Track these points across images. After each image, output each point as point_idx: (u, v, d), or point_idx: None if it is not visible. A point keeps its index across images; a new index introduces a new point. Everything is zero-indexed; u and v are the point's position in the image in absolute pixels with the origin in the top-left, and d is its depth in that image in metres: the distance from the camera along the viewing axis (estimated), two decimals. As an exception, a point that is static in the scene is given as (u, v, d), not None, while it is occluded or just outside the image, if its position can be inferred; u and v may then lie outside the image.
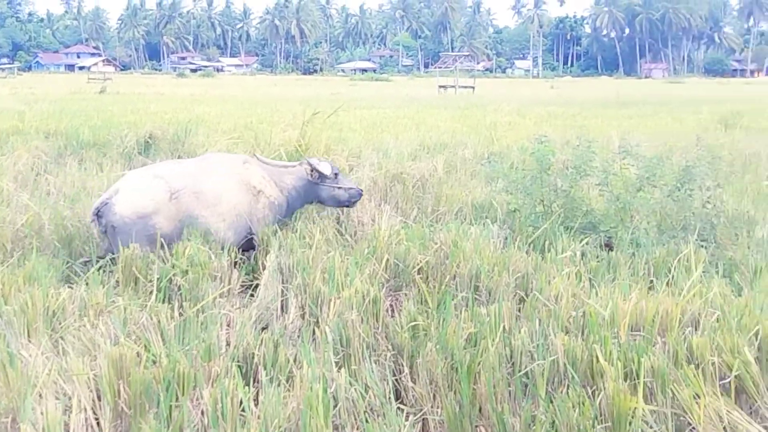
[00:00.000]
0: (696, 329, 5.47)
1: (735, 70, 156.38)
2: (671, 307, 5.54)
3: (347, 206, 8.64)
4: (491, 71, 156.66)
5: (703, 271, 6.73)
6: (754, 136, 19.08)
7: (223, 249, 7.17)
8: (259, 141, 13.62)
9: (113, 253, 7.08)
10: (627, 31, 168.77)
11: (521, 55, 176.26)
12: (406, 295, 6.74)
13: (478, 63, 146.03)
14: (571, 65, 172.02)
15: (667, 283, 6.51)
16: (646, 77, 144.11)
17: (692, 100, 44.45)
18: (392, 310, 6.44)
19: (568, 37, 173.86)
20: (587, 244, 7.75)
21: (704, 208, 8.07)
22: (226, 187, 7.66)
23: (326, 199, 8.50)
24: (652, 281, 6.75)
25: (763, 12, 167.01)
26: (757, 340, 5.15)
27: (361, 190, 8.73)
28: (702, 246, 7.45)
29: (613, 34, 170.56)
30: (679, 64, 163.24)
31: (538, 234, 7.99)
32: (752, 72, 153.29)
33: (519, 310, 6.06)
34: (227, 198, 7.62)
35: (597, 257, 7.42)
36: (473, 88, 64.64)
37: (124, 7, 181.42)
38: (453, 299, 6.28)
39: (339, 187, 8.40)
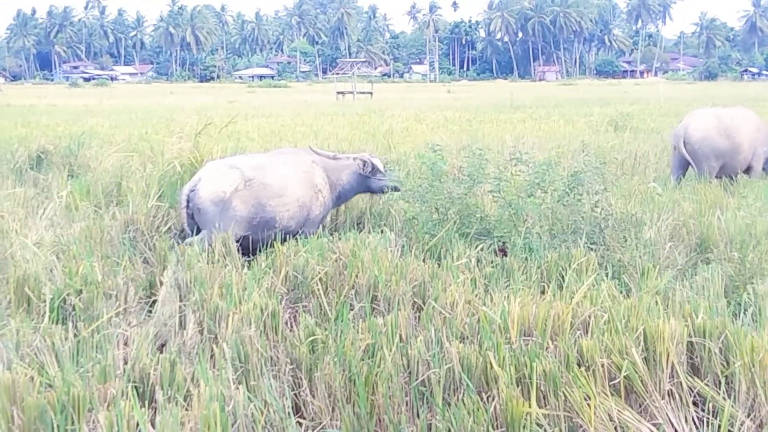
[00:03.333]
0: (586, 332, 5.64)
1: (625, 71, 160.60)
2: (562, 311, 5.70)
3: (393, 191, 9.60)
4: (389, 76, 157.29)
5: (595, 274, 6.93)
6: (642, 138, 19.65)
7: (286, 235, 8.46)
8: (154, 152, 13.45)
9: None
10: (520, 34, 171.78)
11: (418, 60, 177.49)
12: (305, 307, 6.76)
13: (375, 68, 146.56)
14: (467, 69, 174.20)
15: (559, 287, 6.69)
16: (539, 80, 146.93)
17: (584, 101, 45.53)
18: (291, 323, 6.45)
19: (464, 42, 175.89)
20: (482, 250, 7.88)
21: (593, 212, 8.28)
22: (292, 181, 8.67)
23: (375, 189, 9.59)
24: (544, 285, 6.91)
25: (650, 14, 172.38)
26: (643, 340, 5.34)
27: (401, 180, 9.68)
28: (591, 249, 7.65)
29: (506, 38, 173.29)
30: (571, 67, 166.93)
31: (434, 241, 8.10)
32: (641, 73, 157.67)
33: (417, 319, 6.16)
34: (292, 191, 8.61)
35: (492, 263, 7.55)
36: (371, 93, 65.08)
37: (13, 16, 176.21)
38: (351, 310, 6.33)
39: (386, 179, 9.48)
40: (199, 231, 8.35)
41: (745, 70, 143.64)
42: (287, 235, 8.45)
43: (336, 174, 9.22)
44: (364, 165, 9.36)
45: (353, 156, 9.52)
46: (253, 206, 8.31)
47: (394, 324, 5.58)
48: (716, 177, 12.59)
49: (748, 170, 12.92)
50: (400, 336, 5.53)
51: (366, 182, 9.43)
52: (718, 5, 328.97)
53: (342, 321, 5.88)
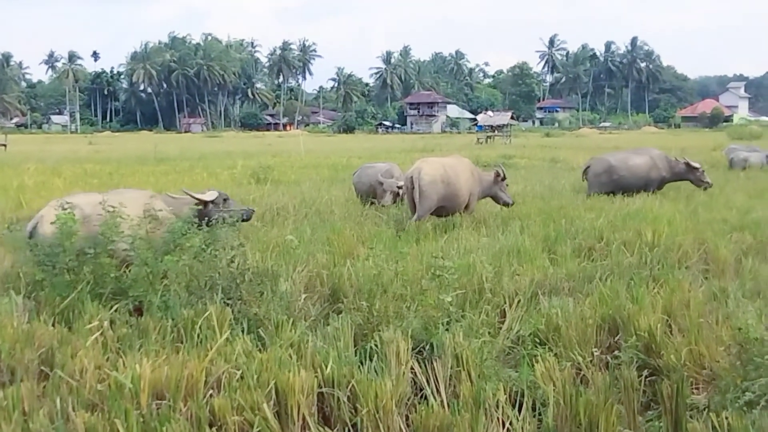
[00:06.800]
0: (220, 390, 5.64)
1: (269, 123, 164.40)
2: (196, 370, 5.66)
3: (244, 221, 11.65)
4: (26, 127, 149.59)
5: (230, 330, 6.95)
6: (282, 189, 20.27)
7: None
8: None
9: None
10: (164, 86, 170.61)
11: (58, 110, 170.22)
12: None
13: (10, 119, 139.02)
14: (111, 120, 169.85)
15: (195, 345, 6.63)
16: (185, 131, 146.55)
17: (229, 154, 46.11)
18: None
19: (106, 92, 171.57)
20: (117, 311, 7.63)
21: (229, 267, 8.32)
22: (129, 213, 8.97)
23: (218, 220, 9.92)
24: (179, 345, 6.80)
25: (291, 69, 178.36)
26: (275, 394, 5.44)
27: (253, 210, 12.76)
28: (228, 304, 7.67)
29: (150, 90, 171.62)
30: (216, 119, 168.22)
31: (65, 304, 7.73)
32: (285, 125, 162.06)
33: (43, 389, 5.82)
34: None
35: (127, 323, 7.33)
36: (5, 145, 61.42)
37: None
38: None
39: (229, 210, 10.81)
40: None
41: (380, 124, 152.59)
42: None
43: (178, 208, 10.22)
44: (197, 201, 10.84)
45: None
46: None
47: (16, 397, 5.24)
48: (438, 216, 14.80)
49: (466, 208, 15.18)
50: (23, 409, 5.20)
51: (208, 213, 10.74)
52: (354, 62, 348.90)
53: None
